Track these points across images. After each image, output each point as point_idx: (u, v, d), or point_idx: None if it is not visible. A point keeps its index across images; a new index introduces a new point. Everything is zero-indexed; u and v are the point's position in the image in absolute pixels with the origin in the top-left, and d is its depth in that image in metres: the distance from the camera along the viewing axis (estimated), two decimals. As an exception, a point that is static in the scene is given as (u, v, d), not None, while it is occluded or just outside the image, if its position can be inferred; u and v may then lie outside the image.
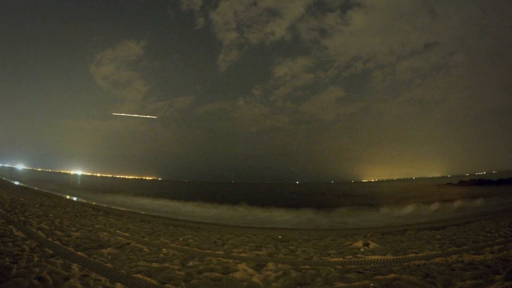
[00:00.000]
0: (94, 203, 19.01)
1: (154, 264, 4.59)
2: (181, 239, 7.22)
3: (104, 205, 17.75)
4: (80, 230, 7.16)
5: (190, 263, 4.75)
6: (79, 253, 5.00)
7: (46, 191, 24.44)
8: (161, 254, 5.34)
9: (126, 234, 7.31)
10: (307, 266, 4.70)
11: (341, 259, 5.17)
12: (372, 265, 4.73)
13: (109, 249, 5.46)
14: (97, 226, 8.25)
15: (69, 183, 43.87)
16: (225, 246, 6.47)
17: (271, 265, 4.64)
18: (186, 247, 6.14)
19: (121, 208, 17.51)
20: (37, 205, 12.04)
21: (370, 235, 7.94)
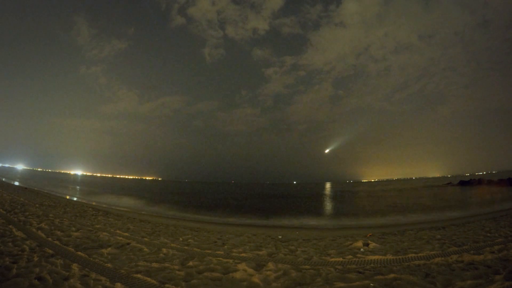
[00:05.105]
0: (94, 203, 19.03)
1: (154, 264, 4.58)
2: (181, 239, 7.22)
3: (104, 205, 17.76)
4: (80, 230, 7.15)
5: (190, 263, 4.75)
6: (79, 253, 5.00)
7: (46, 191, 24.43)
8: (161, 254, 5.34)
9: (126, 234, 7.31)
10: (307, 266, 4.70)
11: (341, 259, 5.17)
12: (372, 265, 4.73)
13: (109, 249, 5.46)
14: (97, 226, 8.25)
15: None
16: (225, 246, 6.46)
17: (271, 265, 4.64)
18: (186, 247, 6.14)
19: (121, 208, 17.51)
20: (37, 205, 12.04)
21: (370, 235, 7.93)
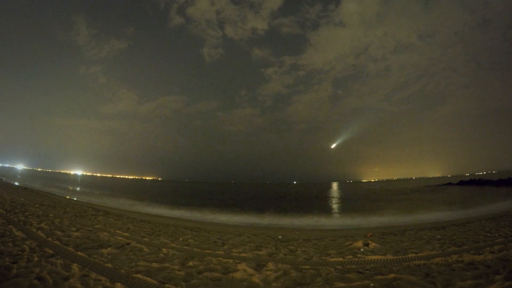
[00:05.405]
0: (94, 203, 19.02)
1: (154, 264, 4.59)
2: (181, 239, 7.22)
3: (104, 205, 17.76)
4: (80, 230, 7.16)
5: (190, 263, 4.75)
6: (79, 253, 5.00)
7: (46, 191, 24.43)
8: (161, 254, 5.34)
9: (126, 234, 7.31)
10: (307, 266, 4.70)
11: (341, 259, 5.17)
12: (372, 265, 4.73)
13: (109, 249, 5.46)
14: (97, 226, 8.25)
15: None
16: (225, 246, 6.46)
17: (271, 265, 4.64)
18: (186, 247, 6.14)
19: (121, 208, 17.51)
20: (37, 205, 12.04)
21: (370, 235, 7.93)
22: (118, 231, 7.59)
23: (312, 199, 33.98)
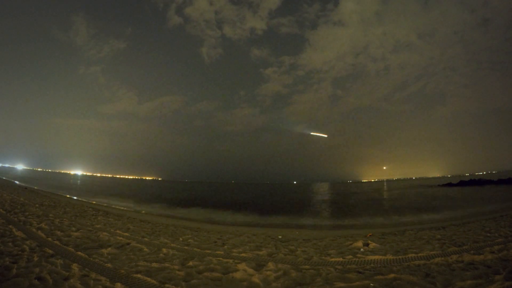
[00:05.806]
0: (94, 202, 19.03)
1: (154, 264, 4.59)
2: (181, 239, 7.22)
3: (104, 205, 17.77)
4: (80, 230, 7.16)
5: (190, 263, 4.75)
6: (79, 253, 5.00)
7: (46, 191, 24.42)
8: (161, 254, 5.34)
9: (126, 234, 7.31)
10: (307, 266, 4.70)
11: (341, 259, 5.17)
12: (372, 265, 4.73)
13: (109, 249, 5.46)
14: (97, 226, 8.25)
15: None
16: (225, 246, 6.46)
17: (271, 265, 4.64)
18: (186, 247, 6.14)
19: (121, 208, 17.53)
20: (37, 205, 12.04)
21: (370, 235, 7.93)
22: (118, 231, 7.59)
23: (312, 199, 33.98)
